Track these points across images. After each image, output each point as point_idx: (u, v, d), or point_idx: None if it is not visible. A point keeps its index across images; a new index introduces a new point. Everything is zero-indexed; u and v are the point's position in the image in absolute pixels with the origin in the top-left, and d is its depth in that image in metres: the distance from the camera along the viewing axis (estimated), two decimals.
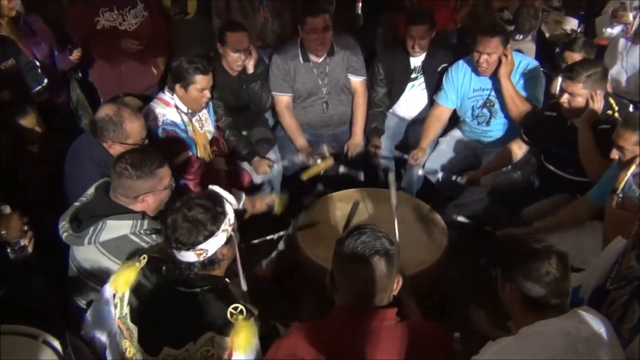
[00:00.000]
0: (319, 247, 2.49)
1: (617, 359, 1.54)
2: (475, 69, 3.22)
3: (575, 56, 3.25)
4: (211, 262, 1.69)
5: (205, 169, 2.96)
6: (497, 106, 3.27)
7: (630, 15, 3.30)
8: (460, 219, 2.64)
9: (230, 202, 1.76)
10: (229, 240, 1.72)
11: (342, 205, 2.82)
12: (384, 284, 1.55)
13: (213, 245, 1.67)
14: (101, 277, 1.98)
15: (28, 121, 2.69)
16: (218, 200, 1.72)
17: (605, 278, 1.88)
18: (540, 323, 1.51)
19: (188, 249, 1.64)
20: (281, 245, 2.67)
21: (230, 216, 1.73)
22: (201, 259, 1.66)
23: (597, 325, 1.54)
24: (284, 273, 2.73)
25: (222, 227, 1.68)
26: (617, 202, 1.90)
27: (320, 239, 2.59)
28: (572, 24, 4.39)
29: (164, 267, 1.71)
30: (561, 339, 1.47)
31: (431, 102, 3.53)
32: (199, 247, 1.64)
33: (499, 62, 3.09)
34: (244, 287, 1.85)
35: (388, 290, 1.58)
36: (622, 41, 3.42)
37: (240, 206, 2.81)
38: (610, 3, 3.66)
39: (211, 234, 1.65)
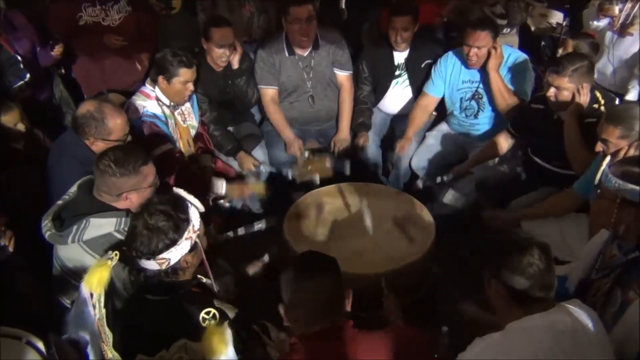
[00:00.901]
0: (307, 243, 2.49)
1: (604, 351, 1.54)
2: (465, 62, 3.22)
3: (580, 45, 3.27)
4: (174, 270, 1.65)
5: (188, 164, 2.93)
6: (485, 99, 3.27)
7: (616, 9, 3.31)
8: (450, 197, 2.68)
9: (196, 206, 1.72)
10: (193, 248, 1.68)
11: (328, 200, 2.82)
12: (339, 291, 1.56)
13: (176, 254, 1.62)
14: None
15: (11, 117, 2.65)
16: (181, 206, 1.67)
17: (590, 270, 1.89)
18: (527, 318, 1.51)
19: (148, 258, 1.60)
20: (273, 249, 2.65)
21: (195, 222, 1.68)
22: (163, 267, 1.62)
23: (584, 318, 1.54)
24: (274, 271, 2.71)
25: (185, 235, 1.64)
26: (597, 193, 1.92)
27: (307, 234, 2.59)
28: (557, 17, 4.40)
29: (131, 274, 1.68)
30: (548, 334, 1.47)
31: (417, 97, 3.53)
32: (160, 256, 1.60)
33: (488, 55, 3.10)
34: (216, 288, 1.83)
35: (342, 301, 1.57)
36: (608, 34, 3.44)
37: (223, 192, 2.79)
38: None
39: (173, 243, 1.61)
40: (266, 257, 2.35)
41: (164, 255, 1.61)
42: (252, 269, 2.34)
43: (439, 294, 2.72)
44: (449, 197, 2.97)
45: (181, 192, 1.75)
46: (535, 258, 1.53)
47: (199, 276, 1.75)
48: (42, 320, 2.06)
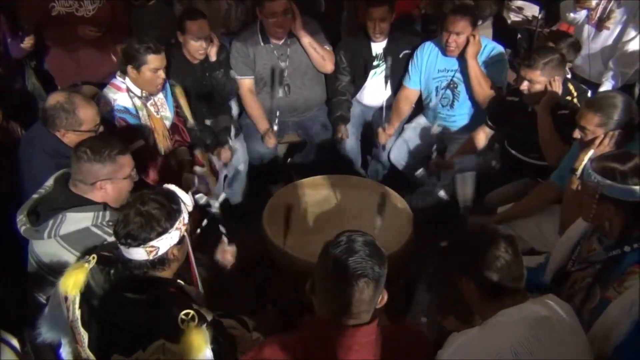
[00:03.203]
0: (287, 235, 2.48)
1: (579, 340, 1.56)
2: (443, 50, 3.25)
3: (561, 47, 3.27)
4: (161, 261, 1.64)
5: (165, 159, 2.89)
6: (460, 88, 3.30)
7: (594, 1, 3.34)
8: (442, 193, 2.68)
9: (186, 203, 1.73)
10: (181, 240, 1.69)
11: (310, 192, 2.81)
12: (366, 307, 1.46)
13: (165, 243, 1.62)
14: (62, 271, 1.91)
15: None
16: (174, 198, 1.68)
17: (567, 260, 1.92)
18: (503, 313, 1.51)
19: (138, 245, 1.59)
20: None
21: (185, 215, 1.69)
22: (151, 257, 1.61)
23: (559, 309, 1.55)
24: (251, 263, 2.70)
25: (176, 225, 1.64)
26: (577, 186, 1.94)
27: (286, 226, 2.58)
28: (533, 10, 4.44)
29: (112, 271, 1.67)
30: (524, 326, 1.48)
31: (395, 89, 3.54)
32: (150, 243, 1.60)
33: (466, 43, 3.13)
34: (201, 289, 1.83)
35: (370, 310, 1.49)
36: (586, 28, 3.46)
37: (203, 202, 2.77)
38: None
39: (164, 231, 1.61)
40: (233, 247, 2.32)
41: (154, 243, 1.60)
42: (222, 257, 2.31)
43: (418, 286, 2.74)
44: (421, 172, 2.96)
45: (172, 187, 1.77)
46: (501, 251, 1.52)
47: (179, 281, 1.74)
48: (17, 318, 2.03)
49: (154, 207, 1.61)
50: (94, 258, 1.69)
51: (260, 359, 1.52)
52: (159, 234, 1.60)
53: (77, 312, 1.65)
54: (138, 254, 1.61)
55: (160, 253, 1.62)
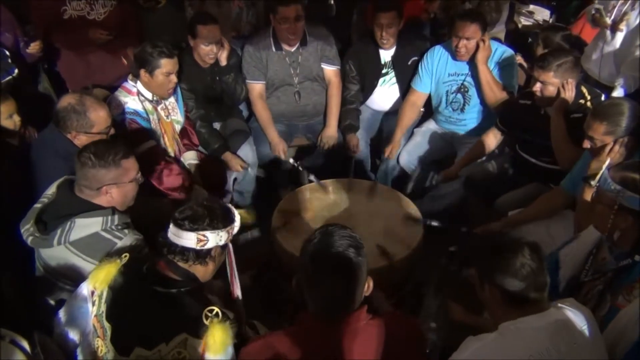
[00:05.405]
0: (296, 239, 2.48)
1: (598, 351, 1.55)
2: (453, 54, 3.24)
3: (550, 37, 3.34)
4: (204, 255, 1.70)
5: (177, 164, 2.90)
6: (471, 92, 3.28)
7: (608, 20, 3.37)
8: (434, 223, 2.68)
9: (236, 224, 1.80)
10: (225, 246, 1.77)
11: (319, 195, 2.82)
12: (352, 295, 1.51)
13: (214, 238, 1.69)
14: (71, 276, 1.93)
15: (7, 107, 2.58)
16: (232, 210, 1.80)
17: (580, 268, 1.90)
18: (523, 320, 1.49)
19: (192, 230, 1.66)
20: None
21: (235, 227, 1.78)
22: (198, 246, 1.67)
23: (579, 318, 1.54)
24: (260, 266, 2.71)
25: (228, 228, 1.73)
26: (593, 196, 1.91)
27: (297, 230, 2.58)
28: (544, 14, 4.44)
29: (145, 267, 1.70)
30: (543, 335, 1.46)
31: (404, 94, 3.53)
32: (203, 232, 1.67)
33: (477, 47, 3.12)
34: (239, 293, 1.89)
35: (357, 298, 1.53)
36: (603, 30, 3.48)
37: None
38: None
39: (217, 227, 1.70)
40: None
41: (207, 232, 1.67)
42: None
43: (427, 290, 2.72)
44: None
45: (231, 206, 1.84)
46: (527, 259, 1.51)
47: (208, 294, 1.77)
48: (27, 320, 2.03)
49: (217, 207, 1.74)
50: (125, 256, 1.73)
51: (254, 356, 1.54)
52: (214, 228, 1.69)
53: (103, 306, 1.68)
54: (188, 239, 1.66)
55: (207, 246, 1.68)
